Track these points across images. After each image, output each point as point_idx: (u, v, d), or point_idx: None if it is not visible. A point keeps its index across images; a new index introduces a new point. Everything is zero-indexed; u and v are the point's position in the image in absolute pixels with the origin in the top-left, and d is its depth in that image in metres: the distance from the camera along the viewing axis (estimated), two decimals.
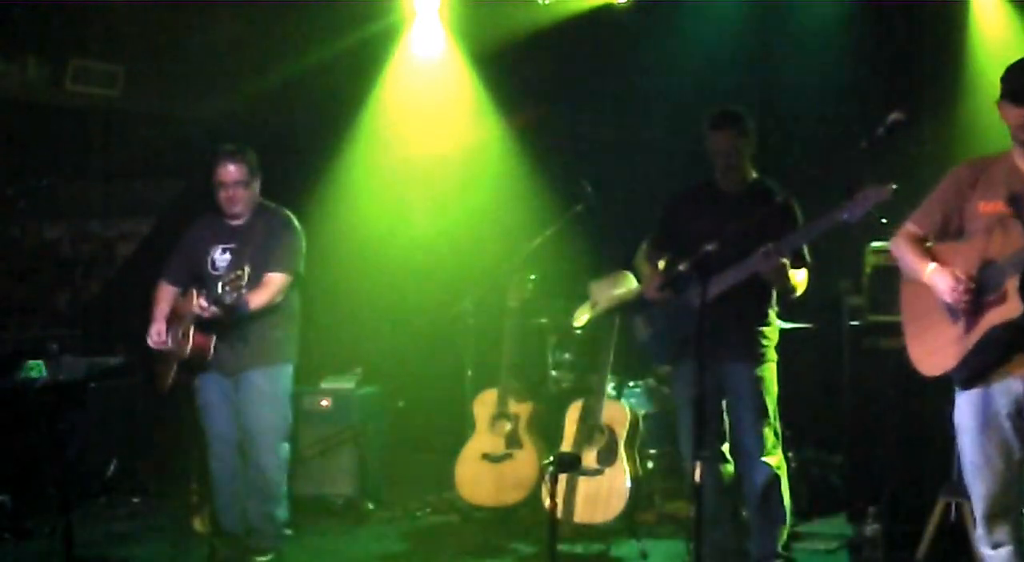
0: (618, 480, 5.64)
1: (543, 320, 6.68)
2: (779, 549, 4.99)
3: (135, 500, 6.88)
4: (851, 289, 5.89)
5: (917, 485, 5.42)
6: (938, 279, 3.80)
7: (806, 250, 4.83)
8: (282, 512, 5.56)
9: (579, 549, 5.81)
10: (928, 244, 3.98)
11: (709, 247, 4.01)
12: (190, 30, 7.34)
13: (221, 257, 5.46)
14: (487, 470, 6.10)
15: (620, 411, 5.78)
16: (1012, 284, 3.66)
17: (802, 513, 5.85)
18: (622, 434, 5.70)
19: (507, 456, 6.10)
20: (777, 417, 4.96)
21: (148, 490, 6.98)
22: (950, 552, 5.01)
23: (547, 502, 4.43)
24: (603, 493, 5.64)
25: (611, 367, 5.81)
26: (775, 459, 4.93)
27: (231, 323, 5.31)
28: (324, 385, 6.76)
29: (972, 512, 4.79)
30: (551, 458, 4.50)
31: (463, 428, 6.38)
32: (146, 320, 5.57)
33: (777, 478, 4.94)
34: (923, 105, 6.49)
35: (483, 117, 7.64)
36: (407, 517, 6.56)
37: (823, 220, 4.43)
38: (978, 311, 3.72)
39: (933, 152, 6.55)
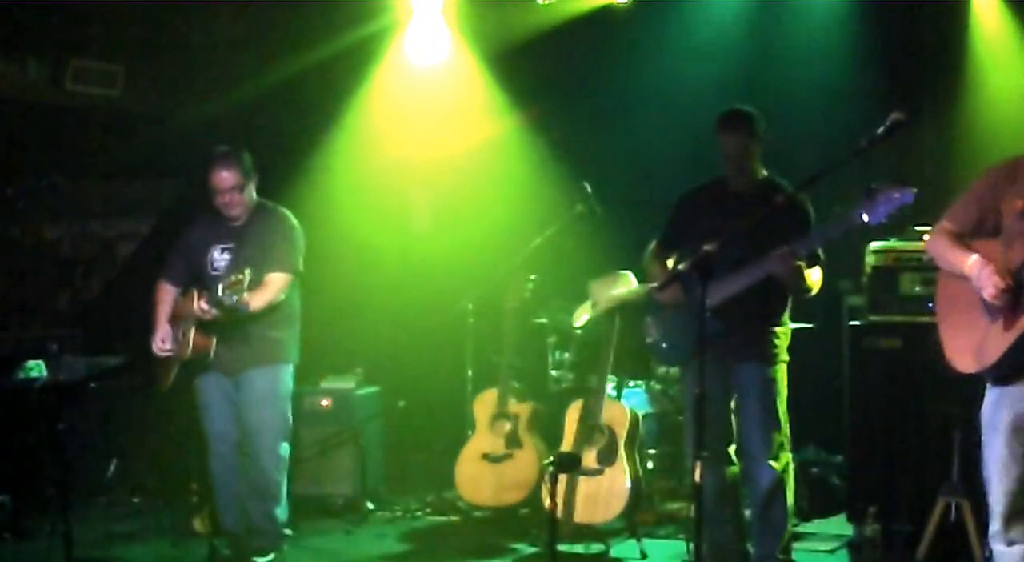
0: (618, 480, 5.64)
1: (543, 320, 6.68)
2: (780, 551, 4.98)
3: (135, 500, 6.88)
4: (851, 289, 5.89)
5: (917, 485, 5.42)
6: (978, 271, 3.78)
7: (820, 250, 4.80)
8: (282, 512, 5.55)
9: (579, 549, 5.81)
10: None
11: (708, 247, 4.00)
12: (190, 30, 7.33)
13: (220, 257, 5.46)
14: (487, 470, 6.11)
15: (620, 411, 5.78)
16: None
17: (802, 513, 5.86)
18: (622, 434, 5.70)
19: (507, 456, 6.11)
20: (787, 420, 4.93)
21: (148, 490, 6.98)
22: (950, 552, 5.01)
23: (547, 502, 4.43)
24: (603, 493, 5.64)
25: (611, 367, 5.81)
26: (781, 463, 4.92)
27: (232, 324, 5.31)
28: (324, 385, 6.77)
29: (972, 511, 4.83)
30: (551, 458, 4.50)
31: (463, 428, 6.38)
32: (146, 320, 5.57)
33: (782, 482, 4.91)
34: (923, 105, 6.49)
35: (483, 117, 7.63)
36: (407, 517, 6.57)
37: (841, 222, 4.40)
38: (1016, 309, 3.71)
39: (933, 152, 6.56)
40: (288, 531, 5.64)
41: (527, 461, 6.07)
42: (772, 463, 4.86)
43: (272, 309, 5.39)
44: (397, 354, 7.88)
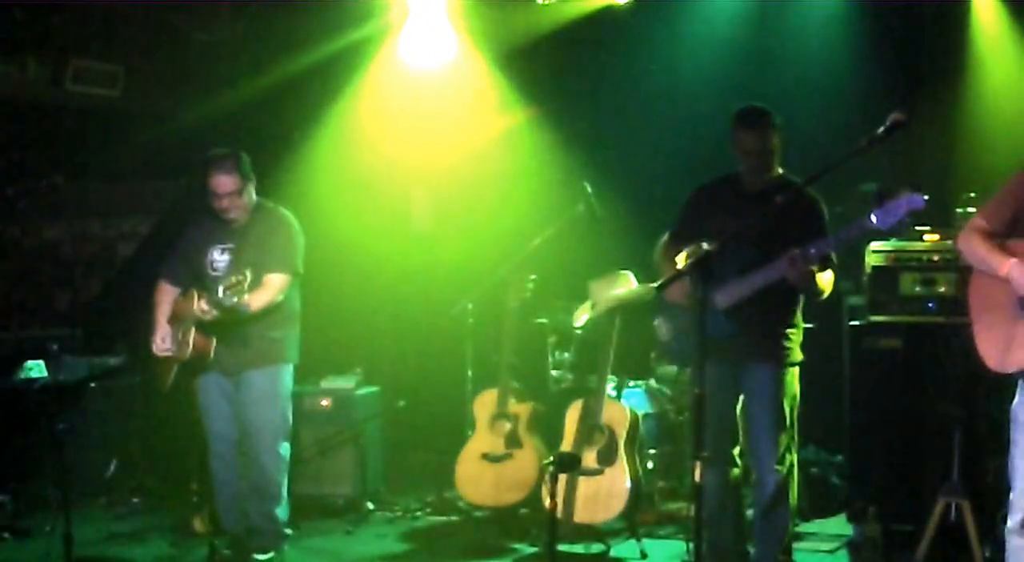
0: (618, 480, 5.64)
1: (543, 320, 6.68)
2: (780, 552, 4.97)
3: (135, 500, 6.88)
4: (851, 289, 5.89)
5: (917, 485, 5.42)
6: (1020, 274, 3.79)
7: (832, 253, 4.78)
8: (282, 512, 5.55)
9: (579, 549, 5.81)
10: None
11: (708, 247, 3.99)
12: (190, 30, 7.33)
13: (220, 257, 5.45)
14: (487, 470, 6.11)
15: (620, 411, 5.78)
16: None
17: (802, 513, 5.86)
18: (622, 434, 5.70)
19: (507, 456, 6.11)
20: (794, 423, 4.89)
21: (148, 490, 6.98)
22: (950, 552, 5.01)
23: (547, 502, 4.43)
24: (603, 493, 5.64)
25: (611, 367, 5.81)
26: (785, 465, 4.87)
27: (231, 324, 5.31)
28: (324, 385, 6.77)
29: (972, 511, 4.84)
30: (551, 458, 4.50)
31: (463, 428, 6.38)
32: (146, 320, 5.57)
33: (786, 484, 4.89)
34: (923, 105, 6.49)
35: (483, 118, 7.63)
36: (407, 517, 6.57)
37: (853, 227, 4.41)
38: None
39: (933, 152, 6.56)
40: (288, 531, 5.63)
41: (527, 461, 6.07)
42: (778, 467, 4.84)
43: (272, 309, 5.38)
44: (397, 354, 7.88)
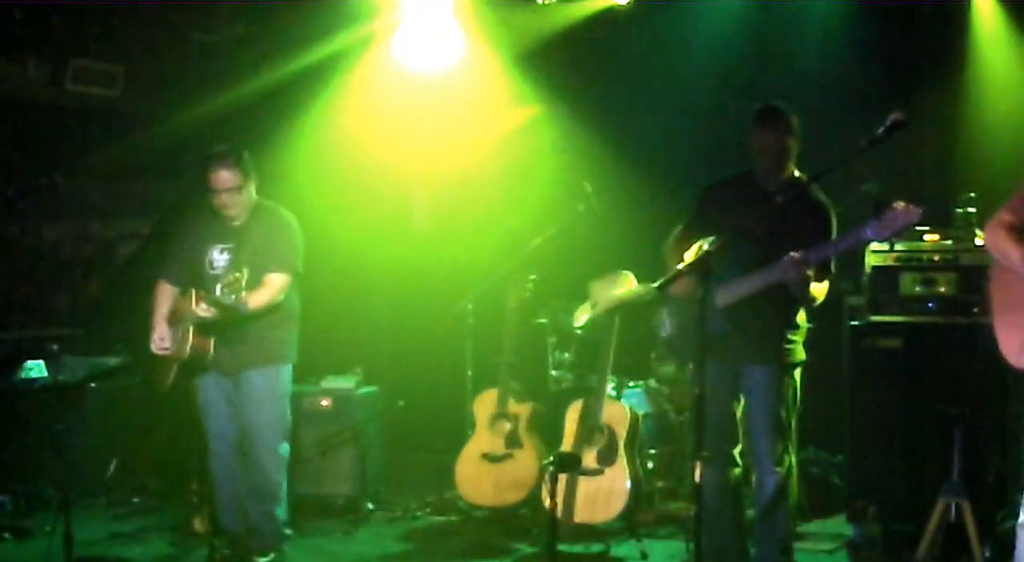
0: (618, 480, 5.64)
1: (543, 320, 6.68)
2: (780, 552, 4.97)
3: (135, 500, 6.88)
4: (851, 289, 5.90)
5: (917, 485, 5.42)
6: None
7: (832, 262, 4.75)
8: (282, 512, 5.55)
9: (579, 549, 5.81)
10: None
11: (708, 247, 3.98)
12: (190, 30, 7.33)
13: (219, 257, 5.45)
14: (487, 470, 6.11)
15: (620, 411, 5.78)
16: None
17: (802, 513, 5.86)
18: (622, 434, 5.70)
19: (507, 456, 6.11)
20: (792, 425, 4.88)
21: (148, 490, 6.98)
22: (950, 552, 5.01)
23: (547, 502, 4.43)
24: (603, 493, 5.64)
25: (611, 367, 5.81)
26: (784, 466, 4.86)
27: (231, 324, 5.31)
28: (324, 385, 6.76)
29: (971, 511, 4.84)
30: (551, 458, 4.50)
31: (463, 428, 6.38)
32: (146, 320, 5.57)
33: (786, 485, 4.88)
34: (923, 105, 6.49)
35: (483, 118, 7.63)
36: (407, 517, 6.56)
37: (849, 237, 4.43)
38: None
39: (933, 152, 6.56)
40: (288, 531, 5.64)
41: (527, 461, 6.07)
42: (777, 468, 4.84)
43: (271, 309, 5.38)
44: (397, 354, 7.88)
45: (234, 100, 7.42)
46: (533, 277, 6.30)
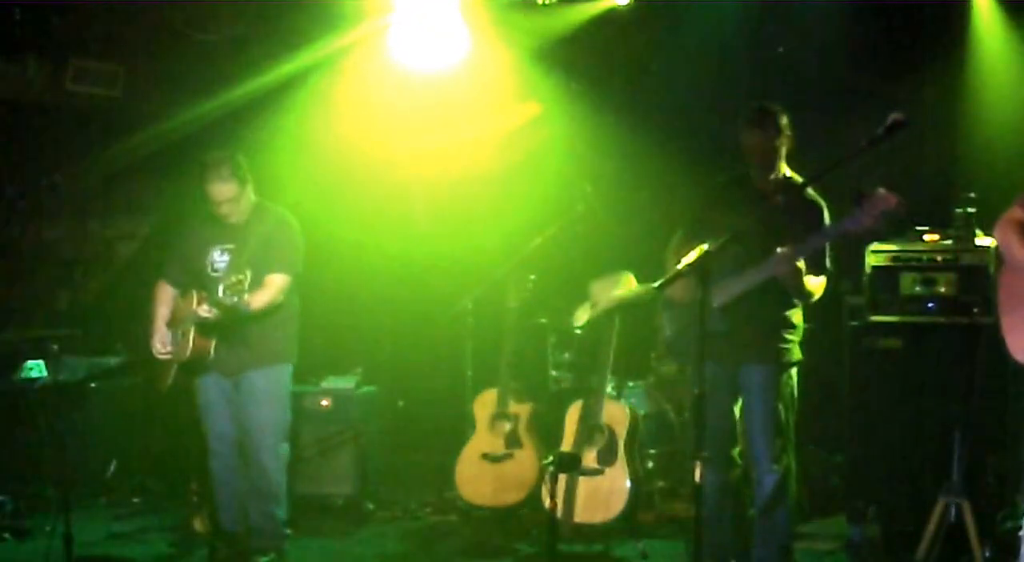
0: (618, 480, 5.64)
1: (543, 320, 6.68)
2: (780, 552, 4.97)
3: (135, 500, 6.88)
4: (851, 289, 5.90)
5: (917, 485, 5.42)
6: None
7: (828, 258, 4.77)
8: (282, 512, 5.55)
9: (579, 549, 5.81)
10: None
11: (707, 247, 3.99)
12: (190, 30, 7.33)
13: (220, 258, 5.45)
14: (487, 470, 6.11)
15: (620, 411, 5.78)
16: None
17: (802, 513, 5.85)
18: (622, 434, 5.70)
19: (507, 456, 6.11)
20: (790, 425, 4.89)
21: (148, 490, 6.98)
22: (950, 552, 5.01)
23: (547, 502, 4.43)
24: (603, 493, 5.64)
25: (611, 367, 5.81)
26: (782, 465, 4.88)
27: (231, 325, 5.31)
28: (324, 385, 6.77)
29: (971, 511, 4.84)
30: (551, 458, 4.49)
31: (463, 428, 6.38)
32: (146, 320, 5.57)
33: (785, 485, 4.90)
34: (923, 105, 6.49)
35: (483, 118, 7.63)
36: (407, 517, 6.57)
37: (832, 229, 4.48)
38: None
39: (933, 152, 6.56)
40: (288, 531, 5.64)
41: (527, 461, 6.07)
42: (775, 467, 4.84)
43: (272, 310, 5.38)
44: (397, 354, 7.88)
45: (234, 100, 7.42)
46: (533, 277, 6.30)
